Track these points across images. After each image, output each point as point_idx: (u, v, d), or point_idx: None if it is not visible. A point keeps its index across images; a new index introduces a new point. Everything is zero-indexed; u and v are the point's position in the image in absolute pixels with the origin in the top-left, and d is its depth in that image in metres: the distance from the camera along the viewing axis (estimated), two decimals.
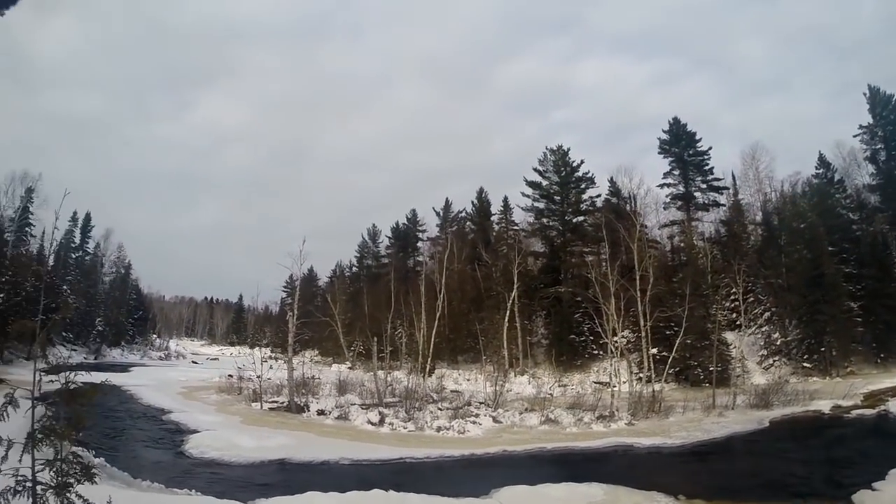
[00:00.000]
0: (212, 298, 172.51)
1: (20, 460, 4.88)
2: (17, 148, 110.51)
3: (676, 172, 54.92)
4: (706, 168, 54.28)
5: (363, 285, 69.33)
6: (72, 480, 5.07)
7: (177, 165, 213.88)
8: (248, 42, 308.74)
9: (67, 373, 5.30)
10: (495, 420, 24.50)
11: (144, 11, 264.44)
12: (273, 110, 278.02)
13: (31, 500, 4.89)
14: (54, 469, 5.05)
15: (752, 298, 42.48)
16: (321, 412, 25.98)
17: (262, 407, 27.54)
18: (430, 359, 37.76)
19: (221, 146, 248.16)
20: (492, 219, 63.87)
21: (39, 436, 4.99)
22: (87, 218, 71.47)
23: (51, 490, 4.96)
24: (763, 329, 40.57)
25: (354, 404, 27.08)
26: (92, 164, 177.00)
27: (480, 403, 28.08)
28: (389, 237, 75.52)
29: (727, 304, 42.35)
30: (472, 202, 66.18)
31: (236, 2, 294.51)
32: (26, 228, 58.63)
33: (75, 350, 52.93)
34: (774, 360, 37.14)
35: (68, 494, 5.00)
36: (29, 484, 4.90)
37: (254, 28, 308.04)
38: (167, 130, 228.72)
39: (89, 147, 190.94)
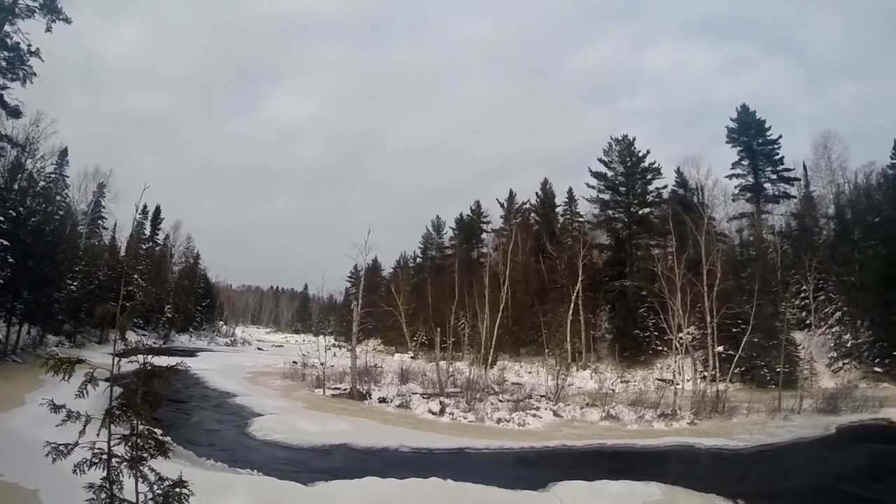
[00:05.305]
0: (277, 287, 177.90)
1: (98, 435, 5.13)
2: (91, 145, 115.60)
3: (745, 162, 53.48)
4: (776, 158, 52.67)
5: (427, 276, 69.73)
6: (145, 455, 5.30)
7: (245, 159, 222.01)
8: (313, 37, 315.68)
9: (143, 355, 5.53)
10: (556, 414, 24.32)
11: (209, 12, 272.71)
12: (339, 104, 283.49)
13: (105, 471, 5.14)
14: (129, 443, 5.28)
15: (822, 297, 40.58)
16: (383, 400, 26.30)
17: (324, 393, 28.11)
18: (492, 350, 37.75)
19: (289, 140, 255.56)
20: (556, 210, 63.10)
21: (117, 412, 5.22)
22: (157, 210, 74.87)
23: (125, 463, 5.20)
24: (833, 330, 38.92)
25: (416, 393, 27.32)
26: (162, 159, 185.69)
27: (541, 397, 27.92)
28: (454, 228, 75.30)
29: (797, 303, 40.46)
30: (537, 193, 65.36)
31: None
32: (98, 221, 61.30)
33: (145, 335, 54.69)
34: (844, 363, 35.68)
35: (141, 467, 5.23)
36: (105, 456, 5.14)
37: (318, 23, 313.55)
38: (236, 126, 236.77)
39: (159, 143, 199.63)
